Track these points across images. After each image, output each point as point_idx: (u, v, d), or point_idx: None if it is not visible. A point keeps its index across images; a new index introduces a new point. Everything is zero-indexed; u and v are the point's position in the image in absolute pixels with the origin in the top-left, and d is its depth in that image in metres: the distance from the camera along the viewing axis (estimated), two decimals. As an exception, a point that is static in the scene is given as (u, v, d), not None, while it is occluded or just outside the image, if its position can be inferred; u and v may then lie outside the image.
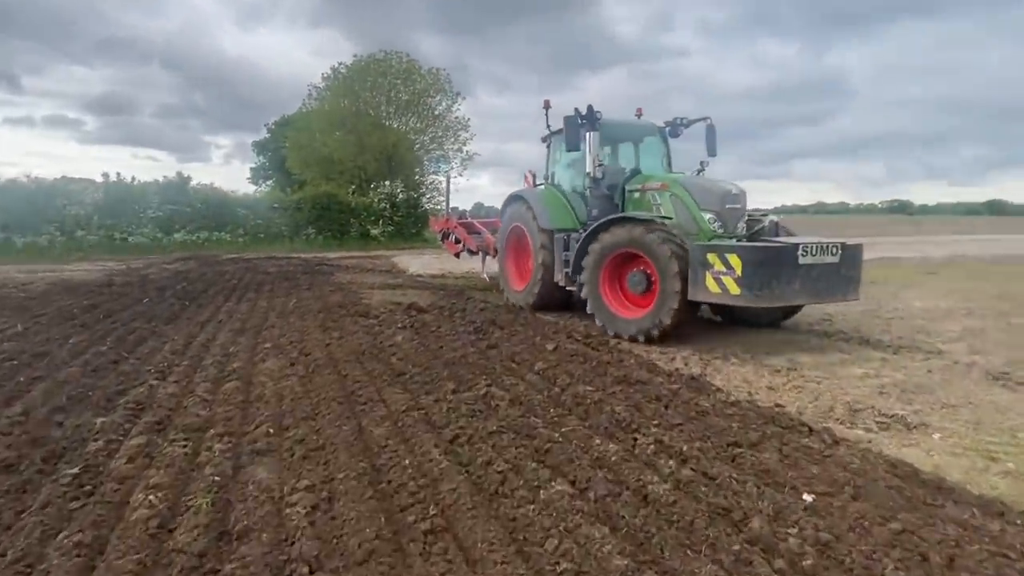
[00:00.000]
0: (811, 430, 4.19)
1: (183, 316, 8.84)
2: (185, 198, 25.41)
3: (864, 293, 11.88)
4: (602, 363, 6.02)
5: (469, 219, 13.02)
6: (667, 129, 9.57)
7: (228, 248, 24.53)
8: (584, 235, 7.89)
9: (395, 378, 5.42)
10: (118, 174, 25.46)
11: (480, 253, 12.45)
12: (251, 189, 43.68)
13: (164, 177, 26.31)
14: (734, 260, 6.19)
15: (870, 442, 4.08)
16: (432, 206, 31.27)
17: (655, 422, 4.27)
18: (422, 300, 10.75)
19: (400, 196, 29.30)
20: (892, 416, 4.57)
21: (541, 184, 10.39)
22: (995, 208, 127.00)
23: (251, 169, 51.08)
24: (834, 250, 6.56)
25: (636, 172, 8.72)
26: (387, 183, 29.81)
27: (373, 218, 28.32)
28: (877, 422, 4.48)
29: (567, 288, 8.73)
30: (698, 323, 8.32)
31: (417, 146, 32.59)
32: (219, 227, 25.63)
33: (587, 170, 8.54)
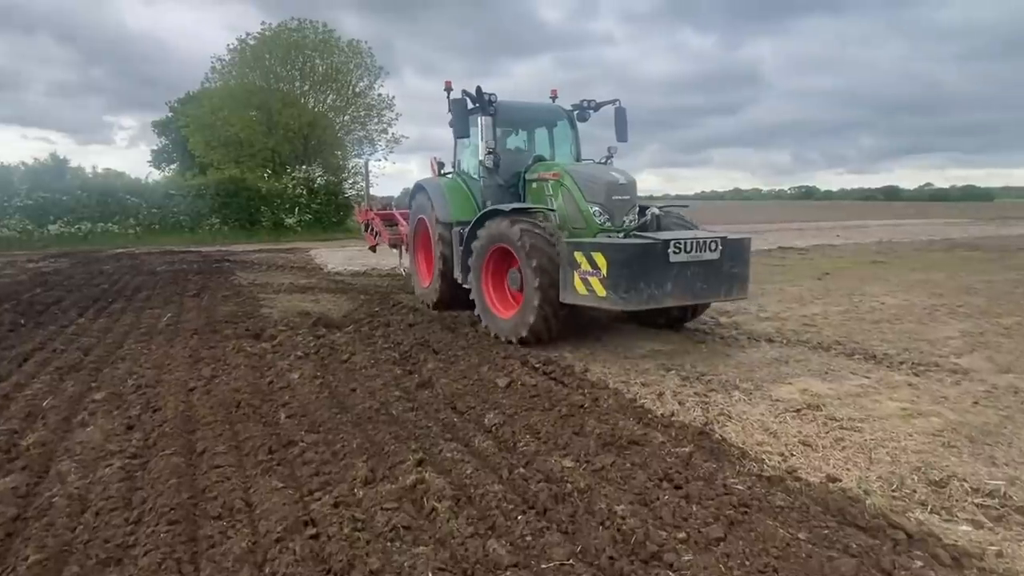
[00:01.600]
0: (910, 536, 2.79)
1: (3, 343, 6.60)
2: (61, 184, 21.90)
3: (827, 288, 11.38)
4: (574, 407, 4.47)
5: (393, 209, 11.18)
6: (575, 113, 8.37)
7: (117, 242, 21.37)
8: (468, 229, 7.16)
9: (277, 455, 3.65)
10: (-25, 155, 21.58)
11: (399, 247, 10.87)
12: (156, 174, 39.30)
13: (35, 159, 22.66)
14: (599, 259, 5.51)
15: (1000, 555, 2.72)
16: (355, 192, 28.82)
17: (680, 535, 2.75)
18: (336, 309, 8.88)
19: (319, 181, 26.64)
20: (992, 493, 3.26)
21: (449, 173, 9.01)
22: (890, 194, 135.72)
23: (152, 152, 46.37)
24: (713, 246, 5.88)
25: (539, 159, 7.83)
26: (303, 167, 27.06)
27: (288, 206, 25.59)
28: (979, 505, 3.16)
29: (464, 286, 7.63)
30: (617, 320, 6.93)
31: (337, 126, 29.90)
32: (105, 217, 22.30)
33: (479, 158, 7.62)
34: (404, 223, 10.33)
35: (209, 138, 29.07)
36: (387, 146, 30.62)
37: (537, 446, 3.75)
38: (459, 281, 7.64)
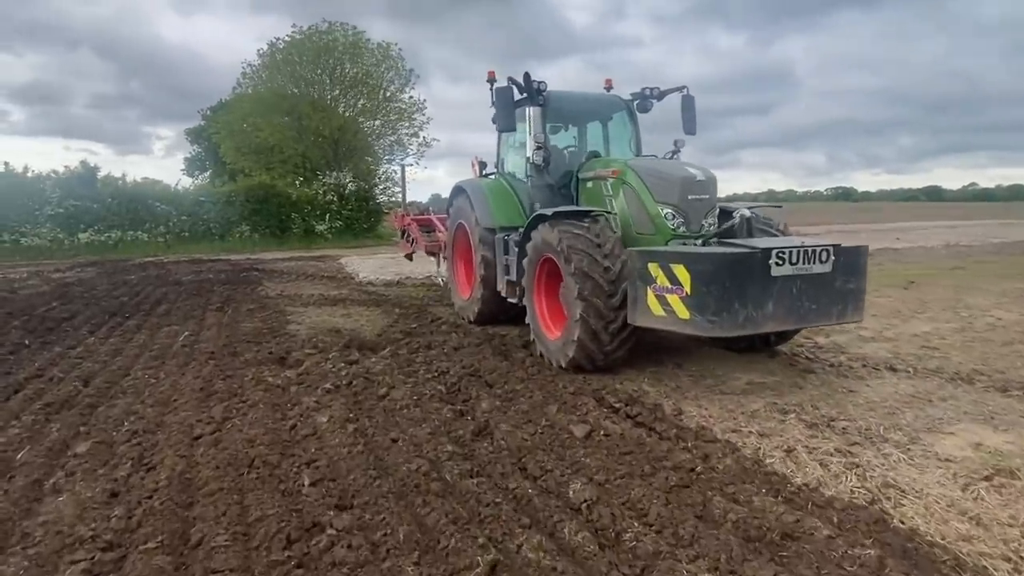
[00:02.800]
0: None
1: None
2: (91, 192, 21.61)
3: (921, 299, 9.97)
4: (683, 471, 3.40)
5: (430, 214, 10.23)
6: (635, 103, 7.26)
7: (147, 250, 20.94)
8: (521, 236, 6.21)
9: (297, 550, 2.67)
10: (6, 163, 21.46)
11: (438, 255, 9.91)
12: (187, 182, 39.33)
13: (66, 167, 22.46)
14: (681, 272, 4.46)
15: None
16: (386, 198, 28.14)
17: None
18: (370, 326, 7.95)
19: (350, 187, 25.96)
20: None
21: (492, 174, 8.05)
22: (932, 194, 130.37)
23: (185, 160, 46.64)
24: (824, 256, 4.71)
25: (594, 155, 6.85)
26: (334, 173, 26.43)
27: (318, 213, 24.96)
28: None
29: (509, 300, 6.70)
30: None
31: (367, 131, 29.28)
32: (135, 225, 21.94)
33: (527, 154, 6.64)
34: (442, 229, 9.40)
35: (240, 144, 28.75)
36: (418, 150, 29.89)
37: (653, 541, 2.69)
38: (503, 294, 6.69)
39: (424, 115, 29.65)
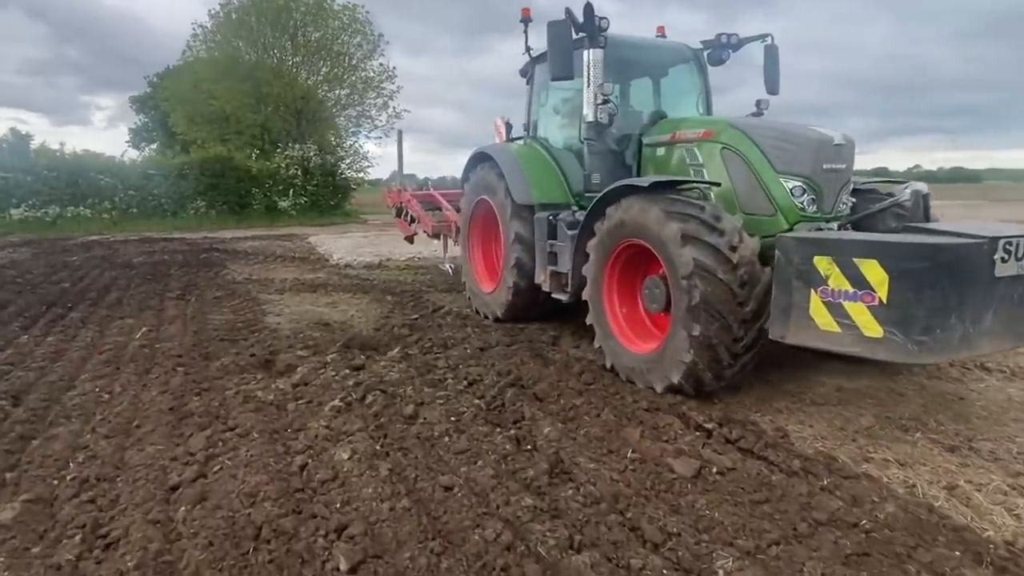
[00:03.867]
0: None
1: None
2: (24, 163, 19.49)
3: None
4: (843, 525, 2.57)
5: (430, 190, 9.04)
6: (705, 53, 6.08)
7: (90, 228, 19.04)
8: (588, 211, 4.87)
9: None
10: (-76, 132, 19.11)
11: (442, 237, 8.61)
12: (134, 154, 36.53)
13: (-6, 136, 20.22)
14: (872, 271, 3.18)
15: None
16: (353, 173, 26.56)
17: None
18: (363, 317, 6.89)
19: (314, 161, 24.28)
20: None
21: (519, 138, 6.84)
22: (879, 175, 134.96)
23: (130, 130, 43.55)
24: None
25: (659, 116, 5.53)
26: (297, 145, 24.67)
27: (281, 188, 23.25)
28: None
29: (554, 295, 5.54)
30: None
31: (331, 101, 27.49)
32: (76, 201, 19.92)
33: (584, 112, 5.18)
34: (449, 207, 8.24)
35: (192, 114, 26.67)
36: (388, 122, 28.24)
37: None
38: (543, 287, 5.59)
39: (394, 84, 28.03)
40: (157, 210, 21.09)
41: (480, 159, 6.56)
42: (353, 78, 27.33)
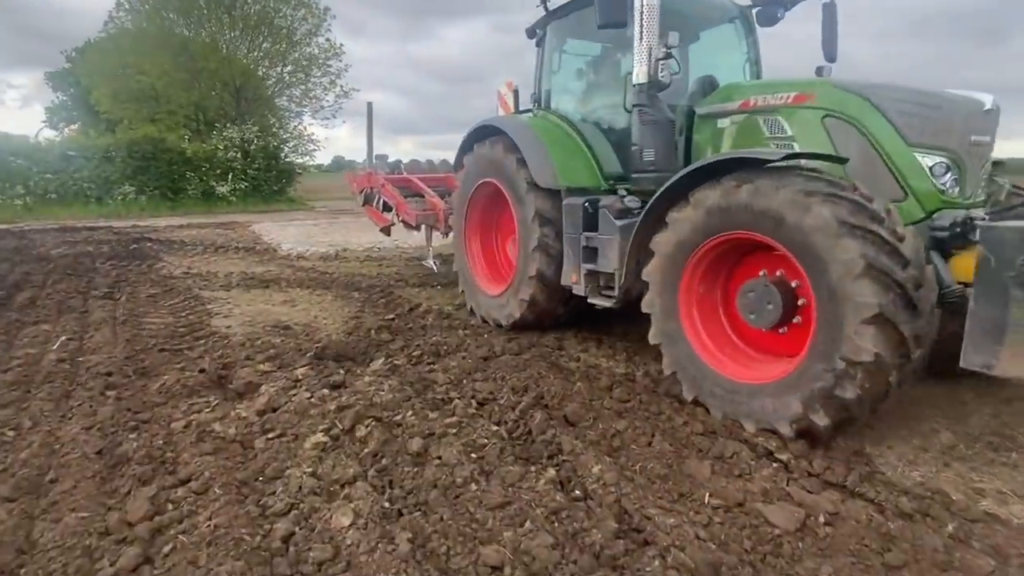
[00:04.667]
0: None
1: None
2: (-81, 142, 17.24)
3: None
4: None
5: (405, 173, 8.04)
6: (754, 11, 5.25)
7: (2, 216, 17.04)
8: (658, 195, 3.73)
9: None
10: None
11: (424, 228, 7.56)
12: (51, 134, 33.40)
13: None
14: None
15: None
16: (298, 157, 25.01)
17: None
18: (328, 318, 6.02)
19: (255, 143, 22.63)
20: None
21: (527, 111, 6.00)
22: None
23: (47, 109, 40.05)
24: None
25: (711, 82, 4.55)
26: (235, 126, 22.91)
27: (219, 172, 21.54)
28: None
29: (591, 301, 4.58)
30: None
31: (273, 79, 25.76)
32: (-17, 185, 17.84)
33: (634, 72, 4.20)
34: (432, 193, 7.26)
35: (117, 90, 24.44)
36: (336, 102, 26.70)
37: None
38: (575, 289, 4.66)
39: (341, 61, 26.49)
40: (79, 196, 19.14)
41: (483, 133, 5.55)
42: (296, 55, 25.67)
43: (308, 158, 26.16)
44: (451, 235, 6.52)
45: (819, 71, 4.75)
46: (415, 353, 4.60)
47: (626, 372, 4.34)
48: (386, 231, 8.17)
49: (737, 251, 3.52)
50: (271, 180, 23.15)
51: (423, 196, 7.47)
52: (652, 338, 3.78)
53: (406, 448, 3.01)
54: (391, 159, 8.15)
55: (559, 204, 4.80)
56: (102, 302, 6.56)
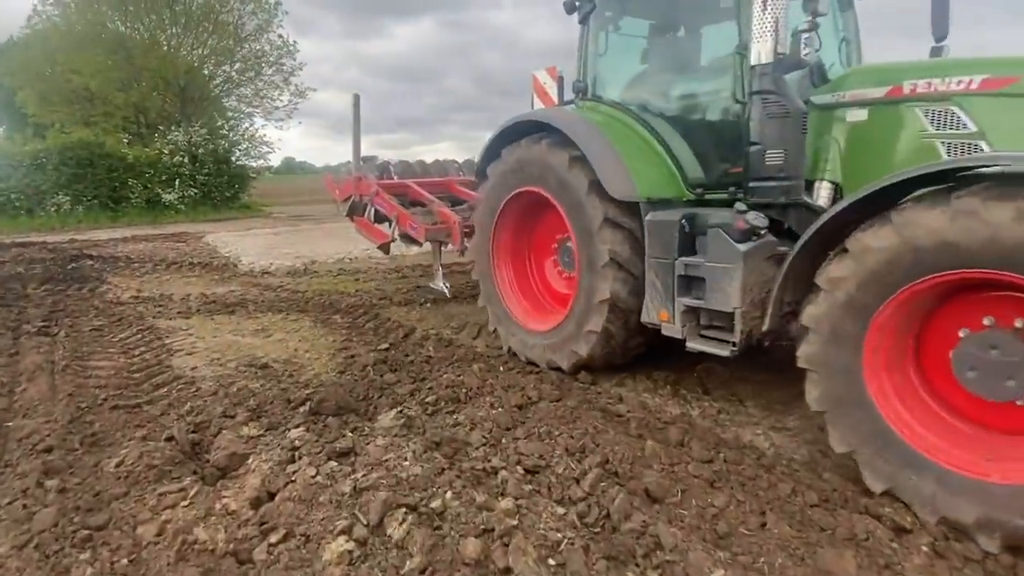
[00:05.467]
0: None
1: None
2: None
3: None
4: None
5: (396, 177, 6.96)
6: None
7: (-86, 231, 15.36)
8: (836, 213, 2.80)
9: None
10: None
11: (434, 243, 6.29)
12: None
13: None
14: None
15: None
16: (251, 160, 23.62)
17: None
18: (312, 352, 5.22)
19: (203, 147, 21.17)
20: None
21: (570, 102, 5.04)
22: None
23: (-33, 113, 36.94)
24: None
25: (819, 67, 3.66)
26: (180, 129, 21.37)
27: (164, 179, 20.03)
28: None
29: (691, 345, 3.63)
30: None
31: (220, 78, 24.25)
32: None
33: (755, 50, 3.35)
34: (439, 203, 6.19)
35: (46, 92, 22.55)
36: (290, 102, 25.32)
37: None
38: (664, 330, 3.73)
39: (295, 59, 25.14)
40: (6, 208, 17.53)
41: (520, 131, 4.57)
42: (245, 51, 24.23)
43: (262, 161, 24.76)
44: (466, 253, 5.66)
45: (935, 52, 3.97)
46: (429, 399, 3.87)
47: (682, 412, 3.73)
48: (385, 248, 6.80)
49: (940, 293, 2.63)
50: (222, 186, 21.75)
51: (423, 205, 6.40)
52: (815, 402, 2.82)
53: (460, 551, 2.30)
54: (379, 160, 6.96)
55: (633, 209, 3.94)
56: (36, 340, 5.57)
